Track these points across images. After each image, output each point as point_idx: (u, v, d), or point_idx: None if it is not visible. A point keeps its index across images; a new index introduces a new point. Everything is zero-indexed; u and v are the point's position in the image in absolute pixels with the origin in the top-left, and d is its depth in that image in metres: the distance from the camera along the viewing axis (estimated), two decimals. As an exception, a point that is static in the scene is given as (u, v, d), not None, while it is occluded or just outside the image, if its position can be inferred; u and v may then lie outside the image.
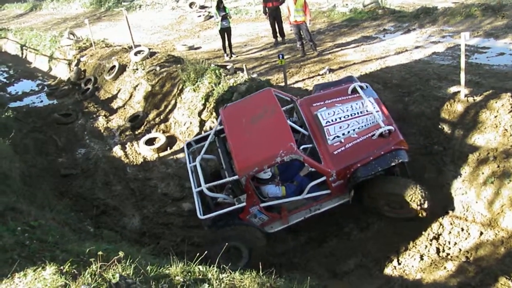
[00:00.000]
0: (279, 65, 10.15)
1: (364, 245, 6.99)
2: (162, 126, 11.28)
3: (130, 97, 12.80)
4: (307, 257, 7.08)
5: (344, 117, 7.16)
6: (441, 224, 6.77)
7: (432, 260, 6.39)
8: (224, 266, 4.71)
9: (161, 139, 10.56)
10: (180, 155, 9.99)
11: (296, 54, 12.43)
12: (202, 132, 9.68)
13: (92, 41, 16.05)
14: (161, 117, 11.50)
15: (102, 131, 11.89)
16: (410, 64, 10.18)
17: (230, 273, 4.49)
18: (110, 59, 14.48)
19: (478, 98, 7.55)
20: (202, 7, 20.59)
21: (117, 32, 18.76)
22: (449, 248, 6.47)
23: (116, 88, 13.49)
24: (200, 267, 4.44)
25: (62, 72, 16.31)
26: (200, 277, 4.27)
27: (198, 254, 4.64)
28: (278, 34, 13.66)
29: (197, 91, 10.77)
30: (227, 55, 13.51)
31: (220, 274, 4.42)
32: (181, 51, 15.18)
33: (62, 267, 3.89)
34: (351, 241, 7.12)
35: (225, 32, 13.15)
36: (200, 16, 19.06)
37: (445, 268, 6.18)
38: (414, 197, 6.55)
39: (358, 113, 7.17)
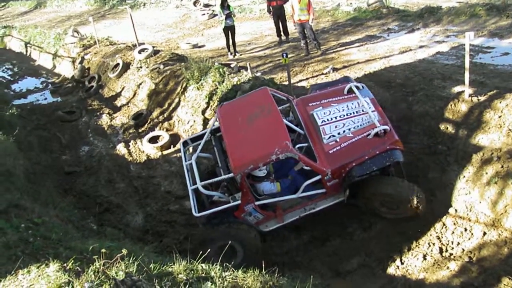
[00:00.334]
0: (283, 64, 10.13)
1: (367, 244, 6.98)
2: (165, 124, 11.29)
3: (134, 95, 12.82)
4: (310, 256, 7.08)
5: (340, 116, 7.18)
6: (444, 224, 6.76)
7: (435, 260, 6.37)
8: (227, 264, 4.72)
9: (165, 137, 10.58)
10: (183, 153, 10.01)
11: (300, 53, 12.42)
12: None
13: (96, 39, 16.07)
14: (165, 115, 11.51)
15: (105, 128, 11.92)
16: (414, 64, 10.15)
17: (233, 272, 4.49)
18: (114, 57, 14.50)
19: (482, 98, 7.53)
20: (206, 5, 20.59)
21: (121, 30, 18.78)
22: (452, 248, 6.45)
23: (120, 86, 13.51)
24: (203, 265, 4.45)
25: (66, 70, 16.35)
26: (203, 275, 4.27)
27: (201, 252, 4.65)
28: (282, 33, 13.65)
29: (200, 90, 10.78)
30: (231, 54, 13.51)
31: (223, 272, 4.42)
32: (185, 49, 15.20)
33: (65, 264, 3.90)
34: (354, 240, 7.12)
35: (229, 30, 13.14)
36: (204, 14, 19.07)
37: (448, 268, 6.17)
38: (408, 197, 6.56)
39: (353, 112, 7.19)
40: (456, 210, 6.84)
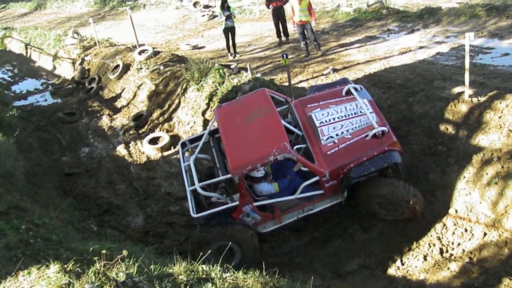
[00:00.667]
0: (283, 64, 10.13)
1: (368, 245, 6.99)
2: (165, 125, 11.29)
3: (134, 96, 12.83)
4: (310, 257, 7.08)
5: (338, 118, 7.20)
6: (444, 225, 6.76)
7: (435, 261, 6.38)
8: (228, 265, 4.72)
9: (165, 138, 10.59)
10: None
11: (300, 54, 12.41)
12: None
13: (96, 40, 16.09)
14: (165, 116, 11.51)
15: (106, 130, 11.92)
16: (414, 65, 10.15)
17: (234, 273, 4.50)
18: (114, 58, 14.52)
19: (482, 99, 7.53)
20: (206, 6, 20.59)
21: (121, 31, 18.79)
22: (453, 248, 6.46)
23: (120, 87, 13.52)
24: (204, 266, 4.45)
25: (66, 71, 16.36)
26: (204, 276, 4.28)
27: (201, 253, 4.65)
28: (282, 34, 13.65)
29: (201, 91, 10.78)
30: (231, 55, 13.51)
31: (223, 274, 4.42)
32: (185, 50, 15.20)
33: (66, 266, 3.90)
34: (355, 241, 7.12)
35: (229, 31, 13.14)
36: (204, 15, 19.07)
37: (448, 268, 6.17)
38: (404, 197, 6.56)
39: (352, 114, 7.21)
40: (456, 211, 6.84)
